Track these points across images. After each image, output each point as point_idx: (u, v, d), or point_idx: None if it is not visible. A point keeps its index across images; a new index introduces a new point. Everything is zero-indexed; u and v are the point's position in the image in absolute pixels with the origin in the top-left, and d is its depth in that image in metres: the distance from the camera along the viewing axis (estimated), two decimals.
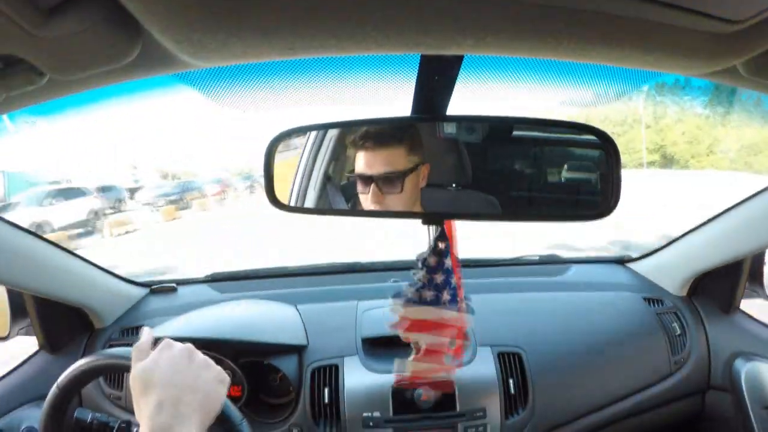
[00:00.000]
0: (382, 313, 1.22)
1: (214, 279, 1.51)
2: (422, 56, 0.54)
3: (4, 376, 1.14)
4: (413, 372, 0.74)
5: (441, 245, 0.71)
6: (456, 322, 0.72)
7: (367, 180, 0.68)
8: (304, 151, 0.80)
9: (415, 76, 0.59)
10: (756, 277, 1.33)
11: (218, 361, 1.10)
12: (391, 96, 0.79)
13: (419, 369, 0.74)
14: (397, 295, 0.72)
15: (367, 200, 0.69)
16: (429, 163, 0.69)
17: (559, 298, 1.33)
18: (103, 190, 14.26)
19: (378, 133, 0.69)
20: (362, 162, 0.69)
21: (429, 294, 0.71)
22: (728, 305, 1.27)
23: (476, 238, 5.36)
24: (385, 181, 0.67)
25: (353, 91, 0.80)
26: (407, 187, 0.67)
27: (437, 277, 0.71)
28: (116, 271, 1.32)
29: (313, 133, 0.81)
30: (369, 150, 0.68)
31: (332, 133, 0.79)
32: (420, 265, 0.72)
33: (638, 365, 1.20)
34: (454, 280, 0.72)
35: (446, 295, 0.72)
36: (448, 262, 0.71)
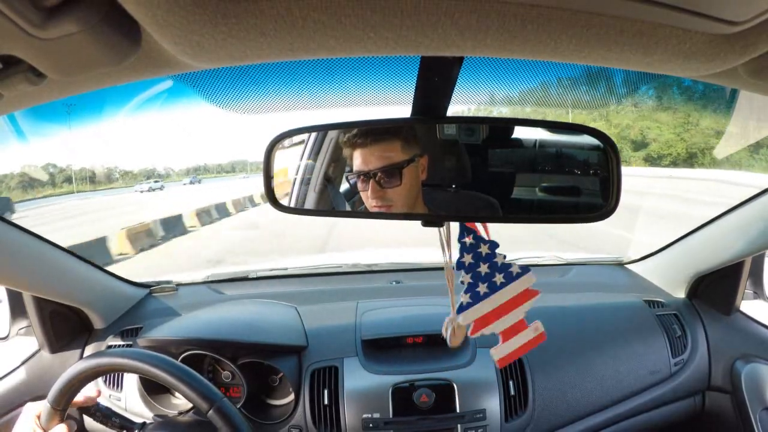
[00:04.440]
0: (382, 315, 1.22)
1: (213, 280, 1.51)
2: (422, 57, 0.54)
3: (4, 376, 1.14)
4: (501, 359, 0.75)
5: (468, 240, 0.72)
6: (519, 290, 0.73)
7: (366, 176, 0.69)
8: (303, 152, 0.80)
9: (415, 78, 0.59)
10: (756, 278, 1.33)
11: (218, 362, 1.11)
12: (391, 97, 0.79)
13: (506, 352, 0.75)
14: (460, 309, 0.73)
15: (368, 197, 0.70)
16: (427, 156, 0.69)
17: (560, 299, 1.33)
18: None
19: (371, 129, 0.70)
20: (359, 159, 0.70)
21: (482, 288, 0.72)
22: (728, 307, 1.27)
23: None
24: (384, 175, 0.68)
25: (353, 93, 0.80)
26: (407, 180, 0.68)
27: (482, 269, 0.72)
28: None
29: (313, 134, 0.81)
30: (364, 147, 0.69)
31: (332, 135, 0.79)
32: (458, 269, 0.73)
33: (638, 367, 1.19)
34: (497, 261, 0.73)
35: (499, 278, 0.73)
36: (483, 249, 0.72)
